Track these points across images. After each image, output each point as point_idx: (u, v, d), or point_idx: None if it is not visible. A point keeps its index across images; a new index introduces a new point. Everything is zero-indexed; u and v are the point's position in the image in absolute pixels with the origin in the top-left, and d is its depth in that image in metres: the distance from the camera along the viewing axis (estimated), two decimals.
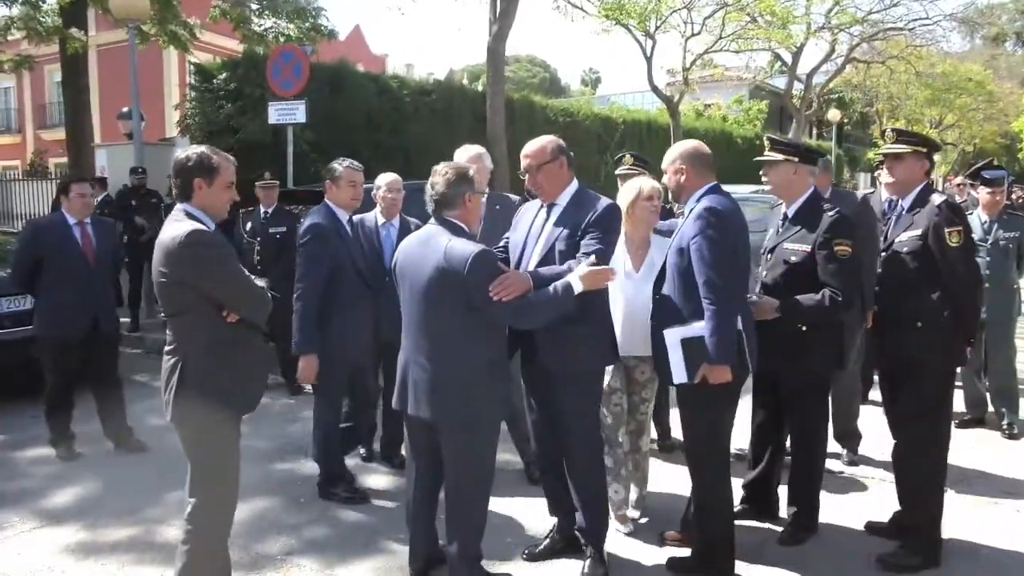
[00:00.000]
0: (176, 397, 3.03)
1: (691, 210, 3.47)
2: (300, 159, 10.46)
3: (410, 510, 3.51)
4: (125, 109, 12.31)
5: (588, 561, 3.58)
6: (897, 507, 3.87)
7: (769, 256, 3.86)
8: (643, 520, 4.15)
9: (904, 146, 3.74)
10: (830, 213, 3.71)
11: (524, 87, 33.46)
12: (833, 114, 29.14)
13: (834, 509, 4.18)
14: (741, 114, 29.72)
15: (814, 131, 35.07)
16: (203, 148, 3.15)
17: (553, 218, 3.54)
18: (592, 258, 3.25)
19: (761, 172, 3.90)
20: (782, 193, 3.89)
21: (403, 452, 5.16)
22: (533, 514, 4.19)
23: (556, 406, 3.53)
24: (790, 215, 3.85)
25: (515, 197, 4.97)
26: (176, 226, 3.00)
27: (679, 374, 3.38)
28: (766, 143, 3.92)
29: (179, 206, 3.10)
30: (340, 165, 4.57)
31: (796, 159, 3.78)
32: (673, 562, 3.69)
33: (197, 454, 3.13)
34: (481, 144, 5.02)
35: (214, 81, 11.66)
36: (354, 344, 4.47)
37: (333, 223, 4.48)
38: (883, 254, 3.78)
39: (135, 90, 10.44)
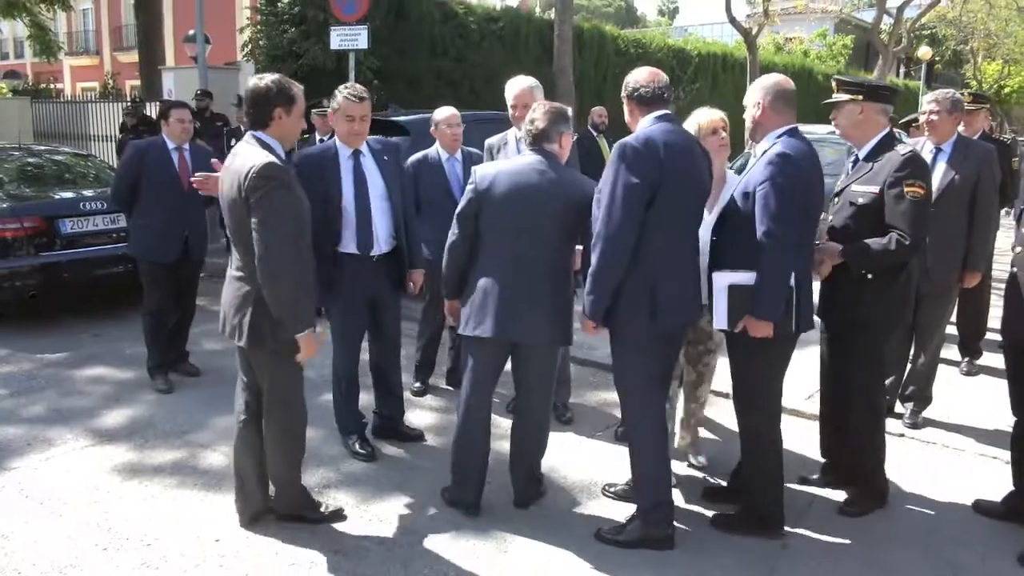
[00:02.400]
0: (251, 324, 3.13)
1: (764, 152, 3.26)
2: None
3: (478, 438, 3.58)
4: (191, 32, 12.30)
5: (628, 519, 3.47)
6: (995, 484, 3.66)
7: (836, 200, 3.63)
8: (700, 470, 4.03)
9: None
10: (903, 152, 3.45)
11: (598, 16, 32.49)
12: (924, 52, 27.46)
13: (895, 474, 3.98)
14: (824, 49, 28.35)
15: (902, 69, 33.30)
16: (278, 76, 3.16)
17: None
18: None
19: (831, 116, 3.65)
20: (851, 135, 3.63)
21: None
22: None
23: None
24: (861, 157, 3.60)
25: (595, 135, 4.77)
26: (252, 153, 3.02)
27: (720, 320, 3.26)
28: (833, 84, 3.66)
29: (251, 133, 3.11)
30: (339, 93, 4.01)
31: (861, 97, 3.51)
32: (718, 519, 3.57)
33: (272, 377, 3.27)
34: (548, 74, 4.80)
35: (279, 4, 11.55)
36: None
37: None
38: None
39: (200, 12, 10.41)
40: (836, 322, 3.64)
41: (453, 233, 3.46)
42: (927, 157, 4.56)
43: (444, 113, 4.88)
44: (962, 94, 5.38)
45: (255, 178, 2.94)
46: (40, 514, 3.59)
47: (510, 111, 4.39)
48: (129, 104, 12.01)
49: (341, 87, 4.02)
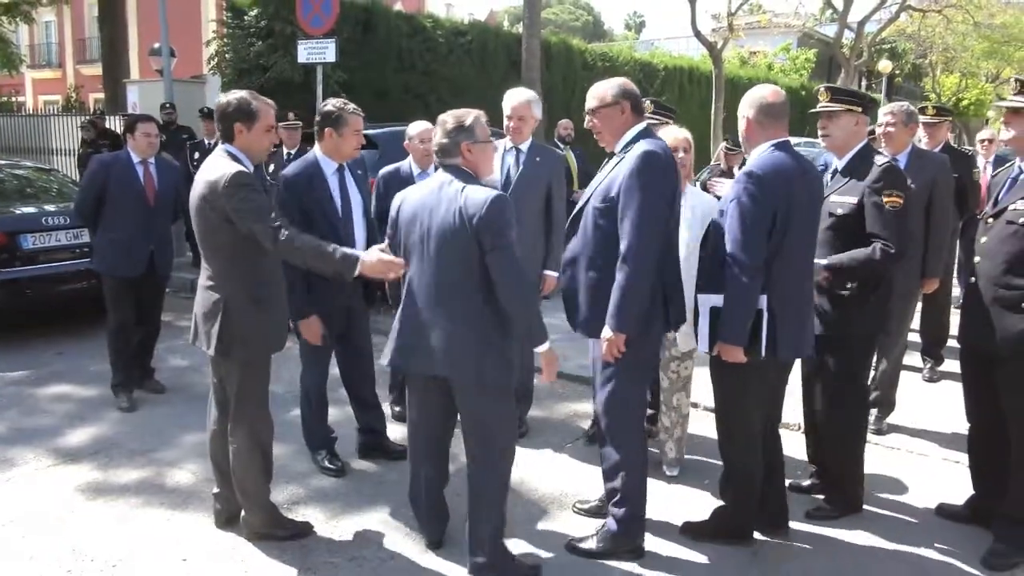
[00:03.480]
0: (220, 334, 3.19)
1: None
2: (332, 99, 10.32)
3: (418, 488, 3.38)
4: (156, 45, 12.20)
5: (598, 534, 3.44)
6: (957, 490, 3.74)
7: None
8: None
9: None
10: (880, 162, 3.51)
11: (565, 30, 32.72)
12: (884, 65, 28.06)
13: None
14: (787, 63, 28.80)
15: (863, 82, 33.91)
16: (244, 93, 3.28)
17: (608, 168, 3.27)
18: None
19: (820, 125, 3.62)
20: (839, 147, 3.62)
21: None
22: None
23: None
24: (840, 168, 3.63)
25: (561, 148, 4.78)
26: (221, 164, 3.14)
27: (703, 342, 3.28)
28: (823, 93, 3.62)
29: (221, 146, 3.26)
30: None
31: (859, 109, 3.55)
32: (687, 527, 3.60)
33: (239, 387, 3.30)
34: (516, 88, 4.80)
35: (245, 18, 11.49)
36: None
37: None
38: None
39: (164, 25, 10.34)
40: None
41: None
42: None
43: (418, 127, 4.86)
44: (925, 107, 5.50)
45: (228, 186, 3.05)
46: (2, 536, 3.51)
47: (506, 122, 4.42)
48: (87, 119, 11.85)
49: (337, 102, 3.98)
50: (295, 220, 3.63)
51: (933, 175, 4.64)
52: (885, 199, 3.42)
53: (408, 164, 4.90)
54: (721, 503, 3.56)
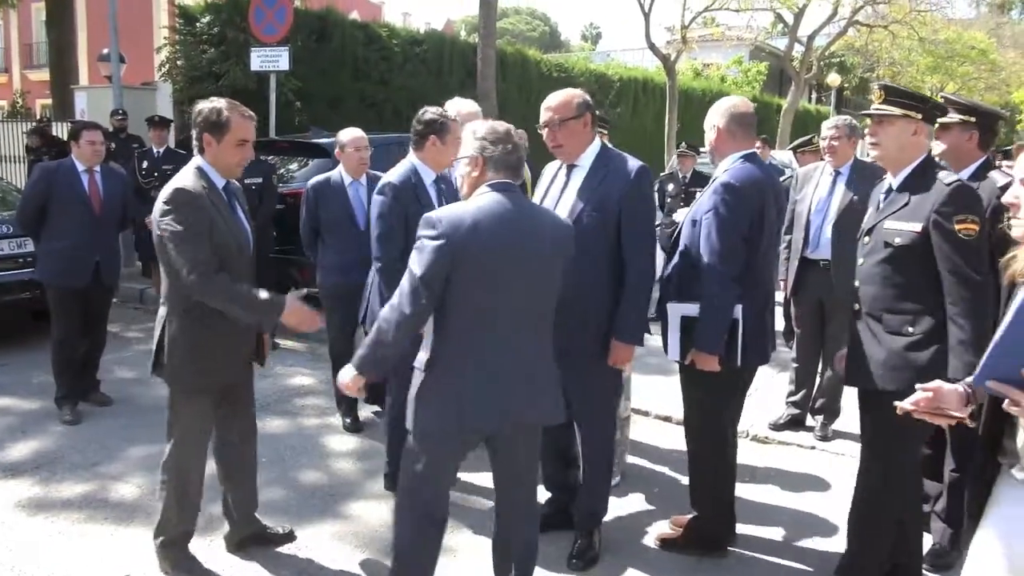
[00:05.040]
0: (156, 350, 3.08)
1: (714, 179, 3.27)
2: (284, 107, 10.23)
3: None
4: (105, 51, 11.98)
5: (579, 543, 3.42)
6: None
7: (867, 240, 2.99)
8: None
9: (892, 107, 2.90)
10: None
11: (522, 40, 32.90)
12: (833, 79, 28.72)
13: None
14: (740, 75, 29.32)
15: (813, 95, 34.68)
16: (220, 102, 3.03)
17: (575, 184, 3.22)
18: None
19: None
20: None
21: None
22: None
23: (584, 381, 3.23)
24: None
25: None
26: (177, 177, 2.99)
27: (674, 351, 3.28)
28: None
29: (194, 158, 3.07)
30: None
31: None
32: (667, 542, 3.58)
33: (170, 410, 3.16)
34: (471, 97, 4.81)
35: (197, 24, 11.37)
36: None
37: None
38: (864, 240, 3.01)
39: (114, 30, 10.16)
40: None
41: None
42: (826, 180, 4.80)
43: (350, 135, 4.81)
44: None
45: (162, 201, 2.94)
46: None
47: None
48: (34, 126, 11.60)
49: (437, 110, 3.84)
50: (396, 228, 3.59)
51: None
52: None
53: (339, 173, 4.88)
54: (692, 514, 3.53)
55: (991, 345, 1.71)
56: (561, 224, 2.77)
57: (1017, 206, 1.85)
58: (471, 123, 2.80)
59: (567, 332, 2.99)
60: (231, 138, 2.99)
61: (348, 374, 2.63)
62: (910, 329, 2.85)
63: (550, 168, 3.46)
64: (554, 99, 3.23)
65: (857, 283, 3.01)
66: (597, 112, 3.36)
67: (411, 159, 3.79)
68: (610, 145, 3.36)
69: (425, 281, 2.43)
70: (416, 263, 2.46)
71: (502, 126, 2.67)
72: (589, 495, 3.43)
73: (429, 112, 3.76)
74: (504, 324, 2.55)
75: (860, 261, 3.01)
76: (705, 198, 3.25)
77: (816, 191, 4.82)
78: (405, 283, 2.48)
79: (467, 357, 2.54)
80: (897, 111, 2.89)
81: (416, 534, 2.70)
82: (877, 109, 2.94)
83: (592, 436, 3.37)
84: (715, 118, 3.29)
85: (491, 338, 2.54)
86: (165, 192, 2.96)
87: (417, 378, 2.60)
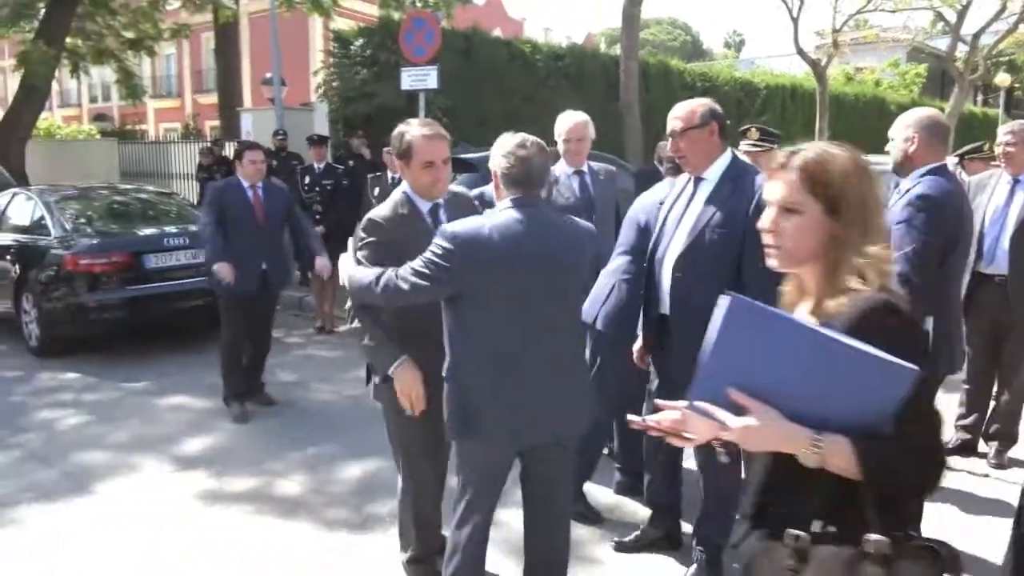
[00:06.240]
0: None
1: (907, 190, 3.17)
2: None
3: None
4: (268, 75, 12.80)
5: (695, 567, 3.29)
6: None
7: None
8: None
9: None
10: None
11: (664, 51, 32.55)
12: (1002, 79, 26.71)
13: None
14: (896, 78, 27.81)
15: (979, 97, 32.41)
16: (403, 126, 2.99)
17: (701, 197, 3.05)
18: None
19: None
20: None
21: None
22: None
23: None
24: None
25: (615, 166, 4.70)
26: (383, 204, 3.05)
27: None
28: None
29: (402, 183, 3.11)
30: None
31: None
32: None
33: (389, 426, 3.17)
34: (614, 110, 4.82)
35: (351, 47, 11.93)
36: None
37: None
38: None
39: (277, 55, 10.83)
40: None
41: None
42: (1003, 189, 4.46)
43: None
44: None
45: (360, 228, 3.02)
46: (129, 535, 3.73)
47: (563, 145, 4.40)
48: (206, 146, 12.62)
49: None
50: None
51: None
52: None
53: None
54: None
55: (700, 365, 1.50)
56: (575, 230, 2.71)
57: None
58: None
59: (674, 355, 3.02)
60: (416, 161, 2.94)
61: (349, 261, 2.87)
62: None
63: (681, 180, 3.29)
64: (679, 108, 3.11)
65: None
66: (764, 126, 3.26)
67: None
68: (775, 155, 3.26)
69: (431, 278, 2.52)
70: (427, 264, 2.53)
71: (512, 140, 2.64)
72: (706, 518, 3.29)
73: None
74: (515, 339, 2.54)
75: None
76: (896, 210, 3.14)
77: (992, 200, 4.50)
78: (416, 271, 2.55)
79: (483, 372, 2.57)
80: None
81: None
82: None
83: (708, 456, 3.24)
84: (911, 129, 3.22)
85: (505, 354, 2.55)
86: (366, 222, 2.99)
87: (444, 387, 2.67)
